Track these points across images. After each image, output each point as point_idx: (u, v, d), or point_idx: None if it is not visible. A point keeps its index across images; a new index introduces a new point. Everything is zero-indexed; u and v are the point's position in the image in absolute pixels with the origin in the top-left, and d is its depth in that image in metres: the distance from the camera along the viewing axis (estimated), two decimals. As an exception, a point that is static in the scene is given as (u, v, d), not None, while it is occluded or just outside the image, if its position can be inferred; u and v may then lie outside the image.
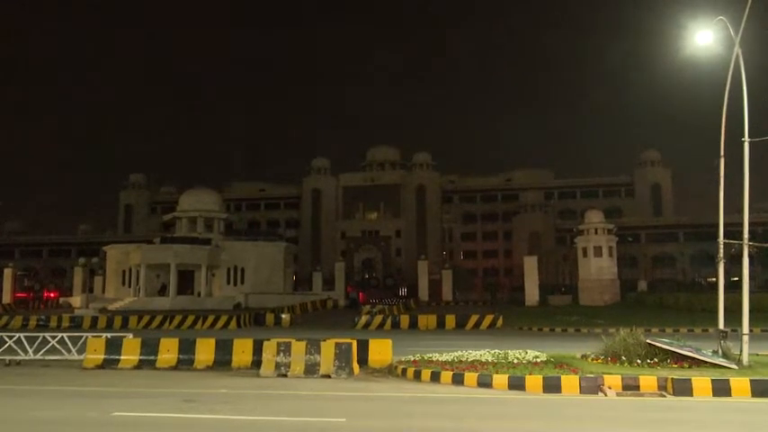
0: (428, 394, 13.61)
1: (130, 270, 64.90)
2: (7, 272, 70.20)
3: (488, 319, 34.39)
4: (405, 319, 35.29)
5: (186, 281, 62.92)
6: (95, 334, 19.77)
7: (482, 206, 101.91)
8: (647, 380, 13.59)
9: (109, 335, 19.22)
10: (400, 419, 11.22)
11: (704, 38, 16.51)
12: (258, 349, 17.13)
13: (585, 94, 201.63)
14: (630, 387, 13.48)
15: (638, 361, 15.10)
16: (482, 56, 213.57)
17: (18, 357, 18.89)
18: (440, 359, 16.57)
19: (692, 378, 13.17)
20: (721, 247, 16.41)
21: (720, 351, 15.46)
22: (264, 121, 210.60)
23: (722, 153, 16.36)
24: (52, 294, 75.32)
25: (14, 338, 19.09)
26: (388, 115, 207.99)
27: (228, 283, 65.90)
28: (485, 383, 14.16)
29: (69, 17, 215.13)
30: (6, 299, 66.65)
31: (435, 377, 15.04)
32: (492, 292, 72.54)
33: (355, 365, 16.32)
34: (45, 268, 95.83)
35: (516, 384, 13.83)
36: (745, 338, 15.21)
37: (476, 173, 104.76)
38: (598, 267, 61.76)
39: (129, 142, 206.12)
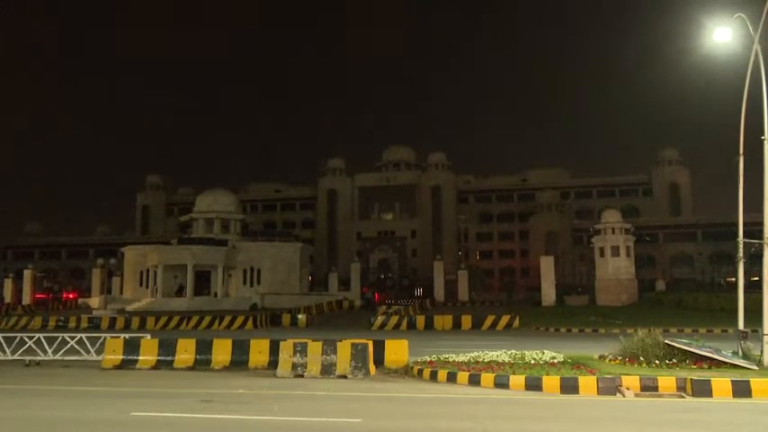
0: (445, 395, 13.58)
1: (148, 271, 65.39)
2: (27, 273, 71.01)
3: (505, 319, 34.29)
4: (421, 320, 35.23)
5: (203, 282, 63.25)
6: (114, 335, 19.96)
7: (498, 206, 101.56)
8: (666, 381, 13.47)
9: (127, 335, 19.38)
10: (417, 420, 11.20)
11: (723, 35, 16.35)
12: (275, 350, 17.19)
13: (602, 92, 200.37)
14: (649, 388, 13.37)
15: (657, 362, 14.99)
16: (497, 55, 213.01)
17: (38, 358, 19.10)
18: (456, 360, 16.54)
19: (712, 379, 13.03)
20: (741, 246, 16.25)
21: (740, 352, 15.31)
22: (280, 122, 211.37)
23: (741, 151, 16.21)
24: (71, 295, 76.03)
25: (34, 339, 19.30)
26: (404, 116, 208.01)
27: (245, 283, 66.20)
28: (501, 384, 14.11)
29: (86, 16, 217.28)
30: (26, 300, 67.43)
31: (452, 378, 15.02)
32: (508, 293, 72.20)
33: (371, 366, 16.33)
34: (64, 269, 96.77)
35: (533, 385, 13.77)
36: (766, 339, 15.03)
37: (491, 173, 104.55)
38: (615, 267, 61.30)
39: (146, 144, 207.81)
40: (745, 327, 15.83)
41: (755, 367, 14.39)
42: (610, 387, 13.27)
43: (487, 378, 14.44)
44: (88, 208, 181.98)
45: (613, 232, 62.56)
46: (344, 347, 16.14)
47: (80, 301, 70.31)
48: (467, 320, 34.62)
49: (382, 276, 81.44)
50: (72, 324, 38.76)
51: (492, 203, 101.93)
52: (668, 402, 12.64)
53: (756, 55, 15.83)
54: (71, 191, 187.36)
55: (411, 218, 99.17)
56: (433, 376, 15.40)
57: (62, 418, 11.57)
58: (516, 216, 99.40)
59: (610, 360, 15.96)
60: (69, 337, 19.25)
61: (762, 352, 15.00)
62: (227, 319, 37.42)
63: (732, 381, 12.92)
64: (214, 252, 62.96)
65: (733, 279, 55.52)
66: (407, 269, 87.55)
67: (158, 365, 17.95)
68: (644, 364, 15.03)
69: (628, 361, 15.49)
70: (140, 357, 18.13)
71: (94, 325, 38.21)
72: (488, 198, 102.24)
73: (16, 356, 19.06)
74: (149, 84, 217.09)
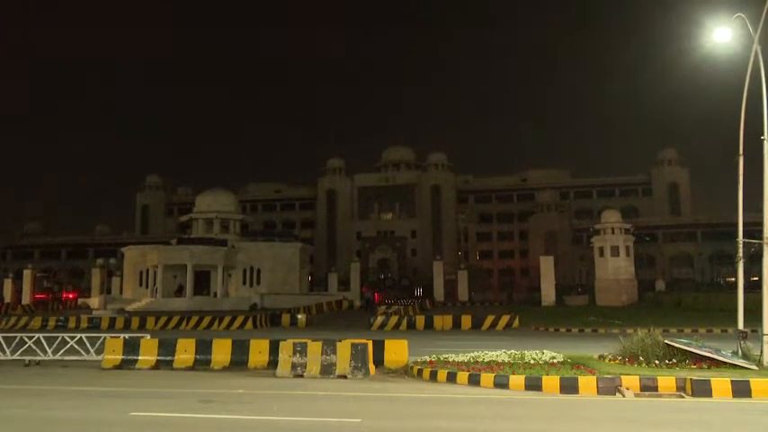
0: (444, 395, 13.58)
1: (148, 271, 65.37)
2: (27, 273, 71.04)
3: (504, 319, 34.27)
4: (420, 320, 35.20)
5: (203, 281, 63.24)
6: (113, 335, 19.96)
7: (498, 206, 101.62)
8: (666, 380, 13.47)
9: (127, 335, 19.38)
10: (417, 420, 11.20)
11: (723, 35, 16.35)
12: (274, 350, 17.18)
13: (602, 92, 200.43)
14: (649, 388, 13.36)
15: (657, 362, 14.98)
16: (498, 54, 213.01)
17: (37, 358, 19.10)
18: (456, 360, 16.53)
19: (712, 379, 13.03)
20: (740, 246, 16.24)
21: (740, 352, 15.31)
22: (279, 122, 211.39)
23: (741, 152, 16.21)
24: (71, 295, 76.10)
25: (34, 339, 19.30)
26: (404, 116, 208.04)
27: (245, 283, 66.19)
28: (501, 384, 14.11)
29: (84, 16, 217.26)
30: (26, 300, 67.45)
31: (452, 378, 15.01)
32: (508, 293, 72.21)
33: (371, 366, 16.33)
34: (64, 269, 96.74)
35: (533, 385, 13.76)
36: (766, 339, 15.03)
37: (491, 173, 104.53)
38: (615, 267, 61.30)
39: (146, 144, 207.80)
40: (744, 327, 15.82)
41: (755, 367, 14.39)
42: (609, 387, 13.27)
43: (487, 378, 14.43)
44: (88, 208, 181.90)
45: (613, 232, 62.58)
46: (344, 347, 16.13)
47: (80, 301, 70.33)
48: (466, 320, 34.59)
49: (382, 276, 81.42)
50: (72, 324, 38.73)
51: (492, 203, 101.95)
52: (668, 402, 12.64)
53: (756, 55, 15.82)
54: (71, 190, 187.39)
55: (411, 218, 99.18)
56: (433, 376, 15.39)
57: (62, 418, 11.57)
58: (516, 216, 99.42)
59: (609, 360, 15.95)
60: (69, 337, 19.26)
61: (761, 352, 15.00)
62: (227, 319, 37.40)
63: (732, 381, 12.91)
64: (214, 252, 62.96)
65: (733, 279, 55.62)
66: (407, 269, 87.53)
67: (158, 365, 17.94)
68: (644, 364, 15.02)
69: (627, 361, 15.48)
70: (140, 357, 18.12)
71: (94, 325, 38.18)
72: (488, 198, 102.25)
73: (16, 356, 19.07)
74: (150, 83, 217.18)
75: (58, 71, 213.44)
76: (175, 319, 38.44)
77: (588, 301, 60.47)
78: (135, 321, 38.69)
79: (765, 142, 15.55)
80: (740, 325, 15.88)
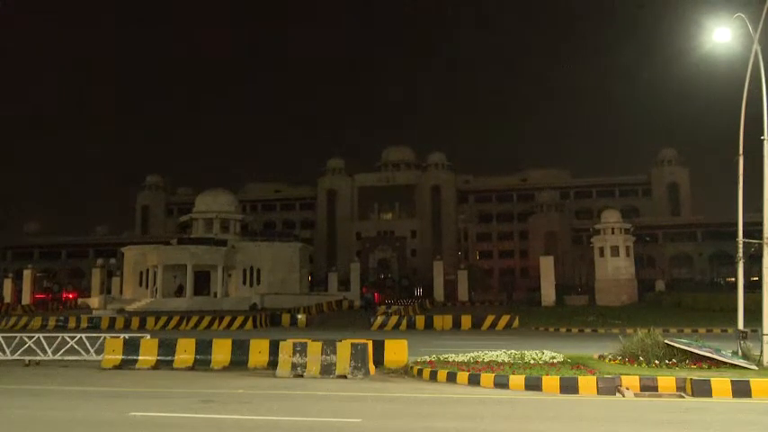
0: (444, 395, 13.57)
1: (148, 271, 65.38)
2: (27, 273, 71.01)
3: (504, 319, 34.27)
4: (420, 320, 35.22)
5: (203, 282, 63.23)
6: (113, 335, 19.96)
7: (498, 206, 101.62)
8: (666, 380, 13.47)
9: (126, 335, 19.39)
10: (417, 420, 11.20)
11: (723, 35, 16.35)
12: (274, 350, 17.19)
13: (602, 92, 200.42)
14: (649, 388, 13.37)
15: (657, 362, 14.99)
16: (497, 54, 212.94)
17: (37, 358, 19.11)
18: (456, 360, 16.54)
19: (712, 379, 13.03)
20: (740, 246, 16.24)
21: (740, 352, 15.31)
22: (279, 122, 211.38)
23: (741, 151, 16.21)
24: (71, 295, 76.05)
25: (34, 339, 19.32)
26: (404, 116, 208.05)
27: (244, 283, 66.20)
28: (501, 384, 14.11)
29: (87, 15, 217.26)
30: (26, 300, 67.42)
31: (451, 378, 15.01)
32: (508, 293, 72.16)
33: (371, 366, 16.33)
34: (64, 269, 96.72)
35: (533, 385, 13.77)
36: (766, 339, 15.02)
37: (491, 172, 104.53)
38: (615, 267, 61.27)
39: (145, 144, 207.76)
40: (744, 327, 15.83)
41: (755, 367, 14.39)
42: (609, 387, 13.27)
43: (487, 378, 14.44)
44: (88, 208, 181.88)
45: (613, 232, 62.54)
46: (344, 347, 16.14)
47: (80, 301, 70.29)
48: (466, 320, 34.60)
49: (382, 276, 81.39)
50: (72, 324, 38.74)
51: (492, 203, 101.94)
52: (668, 402, 12.63)
53: (756, 55, 15.82)
54: (71, 190, 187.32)
55: (411, 218, 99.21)
56: (433, 376, 15.40)
57: (61, 418, 11.57)
58: (516, 216, 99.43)
59: (609, 360, 15.96)
60: (69, 337, 19.27)
61: (761, 352, 15.00)
62: (227, 319, 37.45)
63: (732, 381, 12.92)
64: (213, 252, 62.98)
65: (732, 279, 55.60)
66: (407, 269, 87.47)
67: (158, 365, 17.95)
68: (644, 364, 15.02)
69: (627, 361, 15.49)
70: (140, 357, 18.13)
71: (94, 325, 38.20)
72: (488, 198, 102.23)
73: (16, 356, 19.09)
74: (150, 83, 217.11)
75: (58, 71, 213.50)
76: (175, 319, 38.47)
77: (588, 301, 60.41)
78: (135, 321, 38.70)
79: (765, 142, 15.54)
80: (740, 325, 15.89)
